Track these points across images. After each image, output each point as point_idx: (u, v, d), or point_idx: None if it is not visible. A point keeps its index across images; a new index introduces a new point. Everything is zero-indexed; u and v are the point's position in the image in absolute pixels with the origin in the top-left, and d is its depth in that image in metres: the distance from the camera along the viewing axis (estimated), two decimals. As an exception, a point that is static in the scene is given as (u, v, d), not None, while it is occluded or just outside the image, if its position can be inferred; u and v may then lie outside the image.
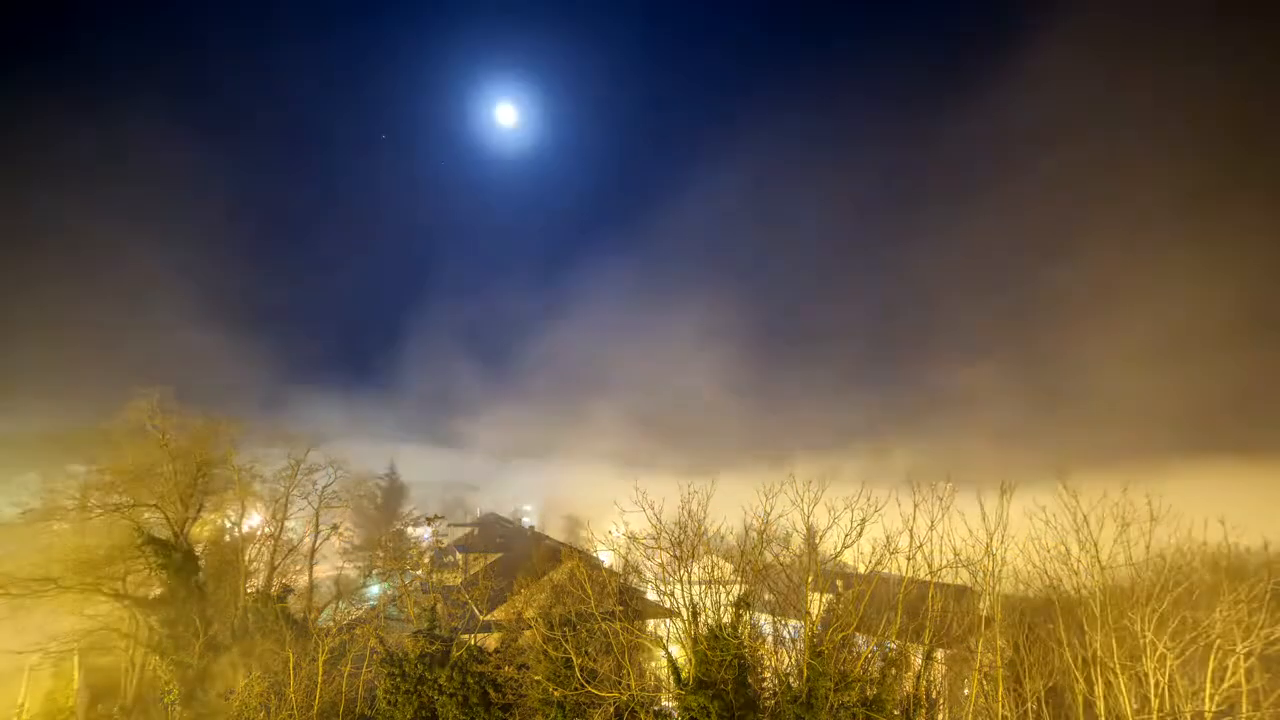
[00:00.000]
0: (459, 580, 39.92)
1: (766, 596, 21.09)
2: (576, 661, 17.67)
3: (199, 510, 28.53)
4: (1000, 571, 16.02)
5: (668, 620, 21.48)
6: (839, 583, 17.86)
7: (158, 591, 25.98)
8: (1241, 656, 11.34)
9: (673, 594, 17.67)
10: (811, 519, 16.83)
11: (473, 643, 22.95)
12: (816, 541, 17.61)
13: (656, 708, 17.90)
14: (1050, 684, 14.68)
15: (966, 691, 15.78)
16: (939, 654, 16.70)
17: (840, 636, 15.53)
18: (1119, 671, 12.06)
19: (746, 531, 18.78)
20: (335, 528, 55.91)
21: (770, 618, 18.81)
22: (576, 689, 17.65)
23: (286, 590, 28.55)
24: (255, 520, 32.82)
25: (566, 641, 18.33)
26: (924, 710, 15.92)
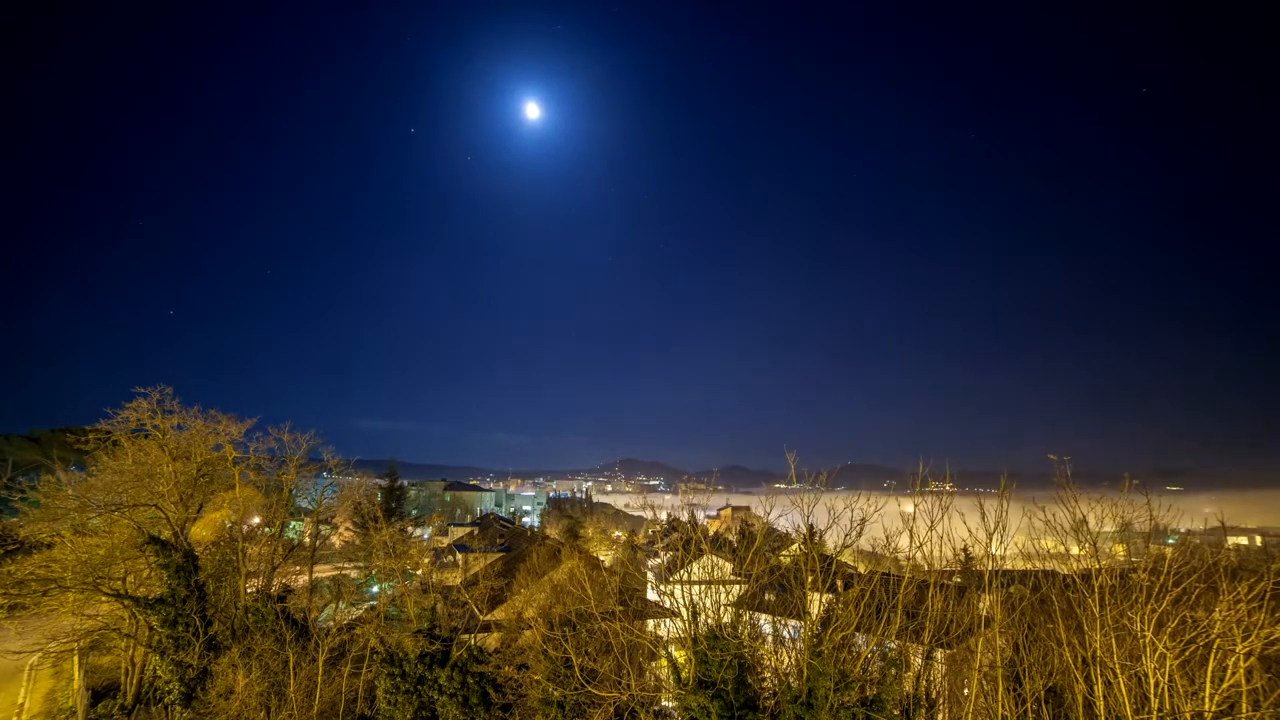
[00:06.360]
0: (459, 580, 39.99)
1: (767, 596, 21.09)
2: (576, 661, 17.66)
3: (199, 510, 28.54)
4: (999, 571, 16.03)
5: (668, 620, 21.49)
6: (839, 583, 17.85)
7: (158, 591, 25.98)
8: (1241, 656, 11.32)
9: (672, 594, 17.67)
10: (811, 519, 16.83)
11: (473, 643, 22.97)
12: (816, 541, 17.62)
13: (656, 708, 17.89)
14: (1050, 684, 14.67)
15: (966, 691, 15.76)
16: (939, 654, 16.69)
17: (840, 636, 15.51)
18: (1119, 671, 12.05)
19: (747, 531, 18.78)
20: (335, 528, 56.03)
21: (770, 618, 18.81)
22: (576, 689, 17.64)
23: (286, 590, 28.57)
24: (255, 520, 32.84)
25: (566, 641, 18.33)
26: (924, 710, 15.92)
